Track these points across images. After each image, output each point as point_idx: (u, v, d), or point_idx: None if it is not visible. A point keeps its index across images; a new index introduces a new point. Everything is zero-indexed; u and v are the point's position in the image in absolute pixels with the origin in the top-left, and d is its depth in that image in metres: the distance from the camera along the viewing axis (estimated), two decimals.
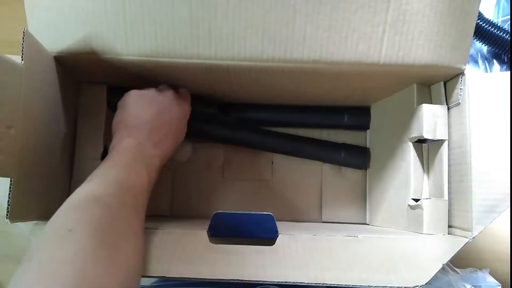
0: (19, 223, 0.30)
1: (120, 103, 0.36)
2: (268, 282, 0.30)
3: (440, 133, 0.35)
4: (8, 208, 0.28)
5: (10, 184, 0.28)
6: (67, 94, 0.37)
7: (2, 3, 0.56)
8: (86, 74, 0.38)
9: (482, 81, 0.33)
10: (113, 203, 0.26)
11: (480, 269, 0.42)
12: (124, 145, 0.32)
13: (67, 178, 0.38)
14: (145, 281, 0.44)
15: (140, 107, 0.35)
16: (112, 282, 0.21)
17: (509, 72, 0.32)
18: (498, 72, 0.56)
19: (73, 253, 0.21)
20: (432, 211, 0.35)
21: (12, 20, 0.55)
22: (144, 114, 0.34)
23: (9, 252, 0.49)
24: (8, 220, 0.28)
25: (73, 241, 0.21)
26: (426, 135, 0.35)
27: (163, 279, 0.42)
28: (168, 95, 0.37)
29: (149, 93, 0.36)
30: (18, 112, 0.29)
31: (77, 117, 0.39)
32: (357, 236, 0.32)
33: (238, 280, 0.29)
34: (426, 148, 0.38)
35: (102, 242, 0.22)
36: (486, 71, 0.56)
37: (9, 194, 0.28)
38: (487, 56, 0.57)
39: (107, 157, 0.31)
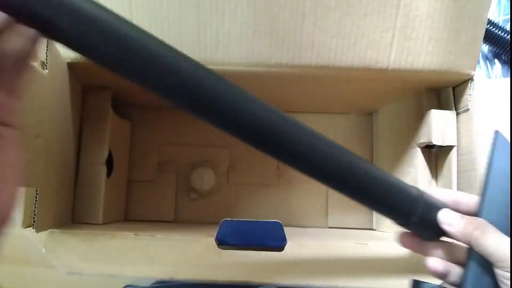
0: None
1: None
2: (277, 284, 0.29)
3: (449, 139, 0.35)
4: (34, 218, 0.28)
5: (36, 194, 0.28)
6: (74, 99, 0.36)
7: None
8: (93, 80, 0.38)
9: (491, 87, 0.33)
10: None
11: None
12: None
13: (72, 184, 0.38)
14: (145, 282, 0.44)
15: None
16: None
17: None
18: (499, 72, 0.55)
19: None
20: None
21: None
22: None
23: (8, 252, 0.48)
24: (34, 230, 0.28)
25: None
26: (435, 141, 0.35)
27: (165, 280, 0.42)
28: None
29: None
30: (44, 122, 0.29)
31: (82, 122, 0.39)
32: (367, 243, 0.32)
33: (245, 282, 0.29)
34: (435, 154, 0.37)
35: None
36: (488, 71, 0.56)
37: (35, 204, 0.28)
38: (488, 55, 0.57)
39: None
